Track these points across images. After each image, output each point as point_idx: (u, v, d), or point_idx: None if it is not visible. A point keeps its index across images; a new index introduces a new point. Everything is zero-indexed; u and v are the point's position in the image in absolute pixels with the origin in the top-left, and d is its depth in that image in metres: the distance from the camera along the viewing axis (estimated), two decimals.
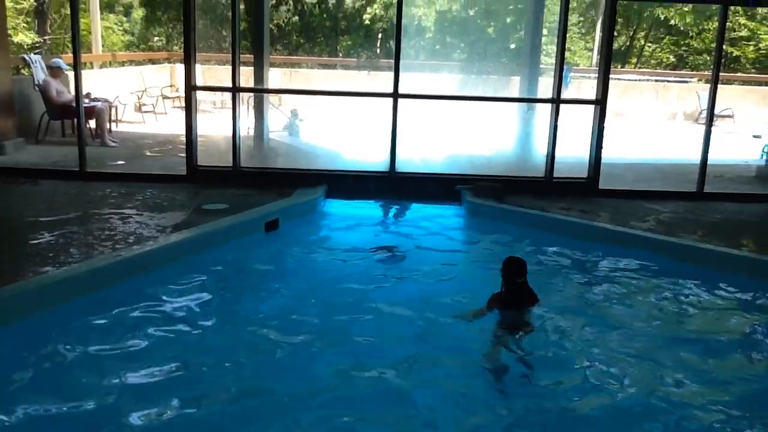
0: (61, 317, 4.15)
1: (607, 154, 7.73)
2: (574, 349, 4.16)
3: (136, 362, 3.77)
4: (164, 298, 4.64)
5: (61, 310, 4.23)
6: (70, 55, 7.93)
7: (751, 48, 23.76)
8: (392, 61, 7.56)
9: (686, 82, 19.85)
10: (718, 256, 5.66)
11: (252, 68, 9.06)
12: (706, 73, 19.63)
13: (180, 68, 14.35)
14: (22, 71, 10.43)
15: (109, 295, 4.50)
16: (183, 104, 8.01)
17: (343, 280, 5.24)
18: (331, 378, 3.76)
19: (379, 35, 23.16)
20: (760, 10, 22.90)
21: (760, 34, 23.43)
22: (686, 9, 22.10)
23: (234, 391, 3.60)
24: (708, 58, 23.79)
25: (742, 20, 23.66)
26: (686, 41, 25.62)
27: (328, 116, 12.88)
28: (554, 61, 7.71)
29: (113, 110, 11.22)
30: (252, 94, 9.56)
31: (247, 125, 9.19)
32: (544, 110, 8.37)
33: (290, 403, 3.51)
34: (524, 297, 4.39)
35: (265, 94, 9.25)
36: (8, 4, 15.36)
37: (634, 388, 3.75)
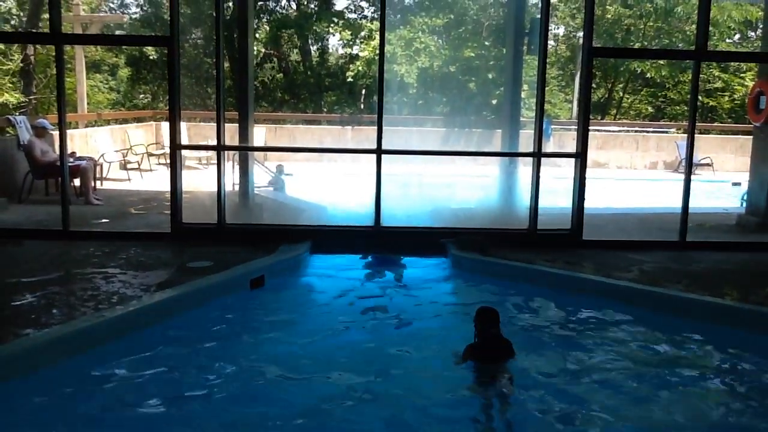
0: (42, 380, 4.07)
1: (590, 204, 7.81)
2: (556, 405, 4.11)
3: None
4: (148, 358, 4.56)
5: (42, 373, 4.14)
6: (56, 114, 7.97)
7: (726, 99, 24.37)
8: (375, 116, 7.67)
9: (665, 132, 20.28)
10: (704, 306, 5.67)
11: (237, 125, 9.15)
12: (683, 123, 20.07)
13: (165, 125, 14.47)
14: (7, 131, 10.48)
15: (90, 357, 4.42)
16: (168, 161, 8.04)
17: (331, 335, 5.20)
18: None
19: (363, 91, 23.54)
20: (732, 63, 23.62)
21: (734, 86, 24.07)
22: (661, 62, 22.71)
23: None
24: (686, 108, 24.37)
25: (716, 72, 24.33)
26: (663, 93, 26.24)
27: (313, 171, 12.98)
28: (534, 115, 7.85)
29: (98, 168, 11.25)
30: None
31: (232, 181, 9.24)
32: (526, 162, 8.48)
33: None
34: (500, 349, 4.36)
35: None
36: None
37: None
